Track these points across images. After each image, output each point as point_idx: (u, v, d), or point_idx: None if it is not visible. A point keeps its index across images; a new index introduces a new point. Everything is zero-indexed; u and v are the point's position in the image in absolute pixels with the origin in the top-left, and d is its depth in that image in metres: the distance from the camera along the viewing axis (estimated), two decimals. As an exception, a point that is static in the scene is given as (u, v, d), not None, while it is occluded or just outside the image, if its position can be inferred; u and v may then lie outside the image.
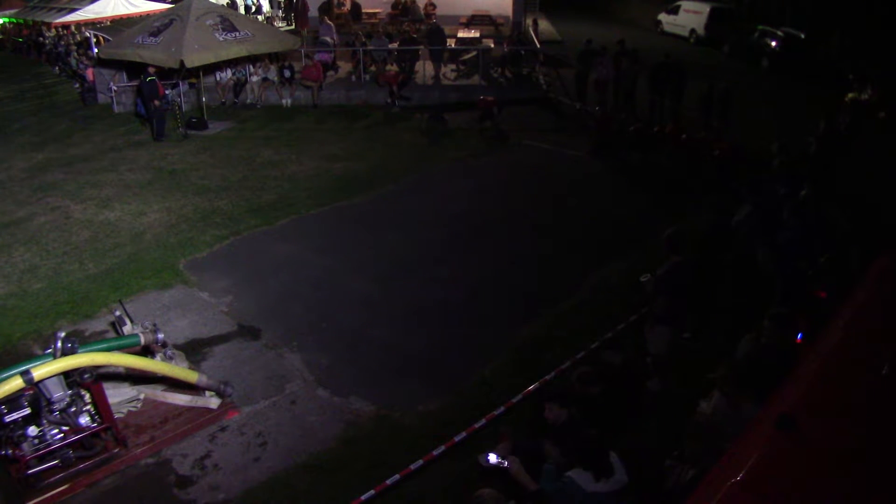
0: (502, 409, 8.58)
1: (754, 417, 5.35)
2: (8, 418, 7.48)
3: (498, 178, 16.13)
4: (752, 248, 10.45)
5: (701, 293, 9.55)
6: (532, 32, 27.59)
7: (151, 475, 8.28)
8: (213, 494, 7.92)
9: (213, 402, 9.06)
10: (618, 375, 8.53)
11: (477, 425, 8.29)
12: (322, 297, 11.63)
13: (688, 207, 14.03)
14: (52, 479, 8.03)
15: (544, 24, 33.48)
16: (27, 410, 7.53)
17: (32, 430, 7.77)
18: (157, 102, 19.84)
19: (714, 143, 16.19)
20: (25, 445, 7.78)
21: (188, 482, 8.11)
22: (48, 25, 35.77)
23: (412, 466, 7.69)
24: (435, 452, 7.90)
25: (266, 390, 9.43)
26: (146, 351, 9.29)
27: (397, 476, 7.55)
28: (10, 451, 7.71)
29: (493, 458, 6.58)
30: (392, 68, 23.40)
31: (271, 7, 33.64)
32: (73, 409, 8.05)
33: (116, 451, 8.40)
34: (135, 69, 21.69)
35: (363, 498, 7.30)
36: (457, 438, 8.11)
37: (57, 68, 32.35)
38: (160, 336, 9.07)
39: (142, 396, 9.28)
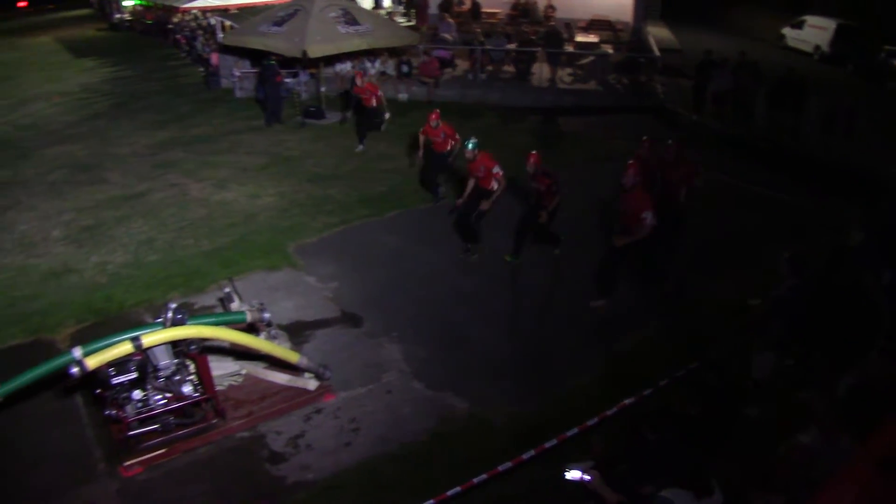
0: (596, 419, 8.41)
1: (853, 453, 5.12)
2: (115, 380, 7.79)
3: (603, 185, 15.81)
4: (863, 278, 9.99)
5: (814, 320, 9.18)
6: (651, 40, 27.14)
7: (246, 448, 8.48)
8: (303, 473, 8.05)
9: (311, 384, 9.19)
10: (717, 397, 8.32)
11: (569, 433, 8.15)
12: (424, 292, 11.68)
13: (801, 230, 13.54)
14: (150, 443, 8.29)
15: (664, 32, 32.89)
16: (134, 375, 7.83)
17: (137, 394, 8.06)
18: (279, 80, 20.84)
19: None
20: (129, 408, 8.08)
21: (280, 459, 8.27)
22: (176, 10, 36.89)
23: (500, 468, 7.62)
24: (524, 456, 7.81)
25: (363, 378, 9.53)
26: (251, 328, 9.45)
27: (484, 476, 7.50)
28: (114, 412, 8.00)
29: (575, 473, 6.48)
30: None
31: (392, 2, 33.92)
32: (178, 377, 8.33)
33: (215, 421, 8.62)
34: (257, 56, 22.18)
35: (448, 493, 7.28)
36: (547, 445, 8.00)
37: (183, 52, 33.34)
38: (266, 315, 9.25)
39: (244, 372, 9.48)
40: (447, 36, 25.55)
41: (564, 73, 24.71)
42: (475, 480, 7.43)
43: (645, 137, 12.62)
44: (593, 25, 29.36)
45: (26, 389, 7.93)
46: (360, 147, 18.30)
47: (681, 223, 12.00)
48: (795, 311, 8.32)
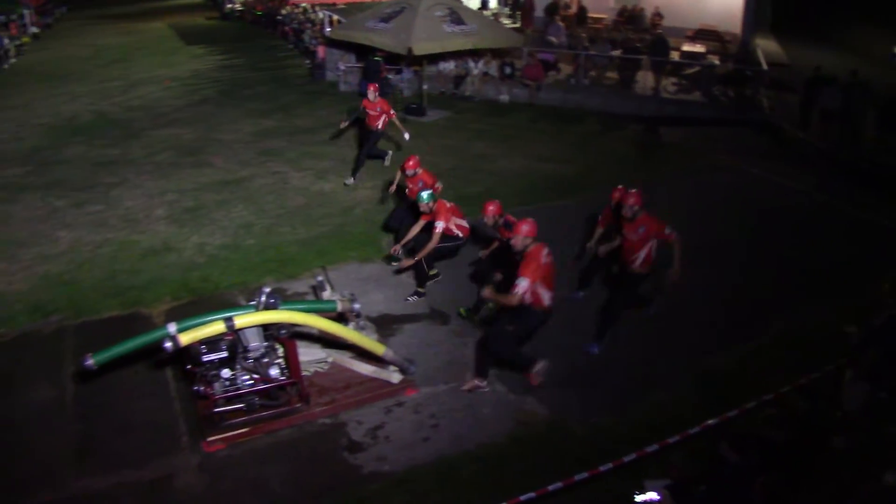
0: (677, 437, 8.16)
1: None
2: (206, 357, 8.03)
3: (700, 198, 15.47)
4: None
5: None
6: (759, 52, 26.45)
7: (326, 435, 8.60)
8: (379, 464, 8.10)
9: (395, 377, 9.24)
10: (805, 425, 8.04)
11: (648, 449, 7.94)
12: None
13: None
14: (234, 421, 8.51)
15: (773, 45, 32.01)
16: (225, 354, 8.06)
17: (226, 373, 8.27)
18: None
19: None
20: (217, 385, 8.31)
21: (358, 448, 8.35)
22: (285, 2, 37.60)
23: (576, 477, 7.49)
24: (602, 468, 7.66)
25: (446, 375, 9.53)
26: (340, 318, 9.58)
27: (560, 484, 7.38)
28: (202, 388, 8.24)
29: (649, 495, 6.34)
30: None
31: (498, 3, 33.93)
32: (266, 360, 8.51)
33: (298, 406, 8.78)
34: (362, 51, 22.48)
35: (522, 498, 7.20)
36: (626, 458, 7.81)
37: (290, 44, 33.96)
38: (356, 306, 9.36)
39: (330, 360, 9.63)
40: (553, 39, 25.42)
41: (668, 83, 24.27)
42: (550, 488, 7.34)
43: (620, 186, 11.07)
44: (700, 35, 28.78)
45: (121, 359, 8.22)
46: (351, 181, 15.99)
47: (629, 291, 10.43)
48: (894, 341, 7.99)
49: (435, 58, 22.61)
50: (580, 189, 15.45)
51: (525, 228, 8.59)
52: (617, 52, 24.71)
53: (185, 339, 7.66)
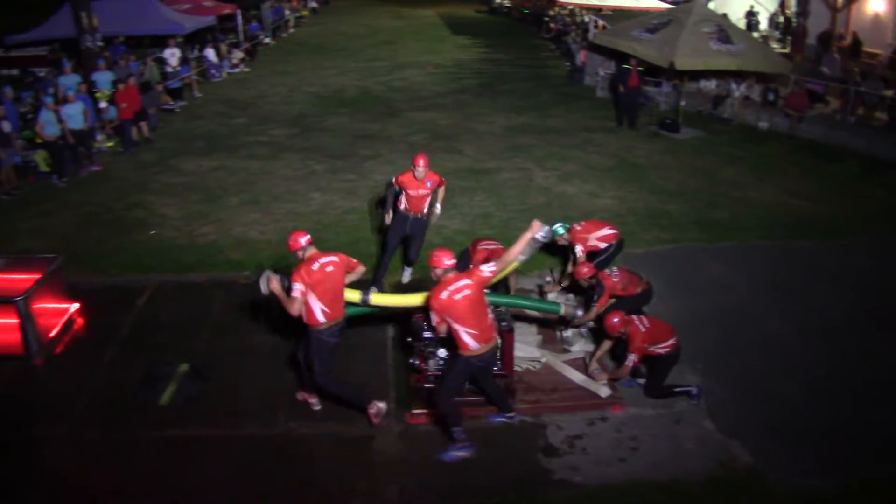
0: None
1: None
2: (426, 334, 8.58)
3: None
4: None
5: None
6: None
7: (525, 432, 8.72)
8: (571, 474, 8.08)
9: (604, 391, 9.20)
10: None
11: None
12: (740, 330, 10.93)
13: None
14: None
15: None
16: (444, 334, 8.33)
17: (442, 352, 8.67)
18: (621, 88, 20.83)
19: None
20: (432, 363, 8.75)
21: (553, 452, 8.39)
22: (554, 2, 37.91)
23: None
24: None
25: (655, 400, 9.28)
26: (563, 321, 9.86)
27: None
28: (417, 362, 8.75)
29: None
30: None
31: (768, 26, 32.65)
32: (483, 347, 8.74)
33: (504, 398, 8.98)
34: (624, 59, 22.32)
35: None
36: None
37: (553, 44, 34.28)
38: (579, 313, 9.44)
39: (543, 360, 9.79)
40: (827, 70, 24.18)
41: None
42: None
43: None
44: None
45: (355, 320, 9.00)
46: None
47: None
48: None
49: (696, 74, 22.14)
50: (828, 232, 14.48)
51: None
52: (889, 92, 23.13)
53: (376, 300, 8.89)
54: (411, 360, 8.84)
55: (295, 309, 7.92)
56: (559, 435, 8.66)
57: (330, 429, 8.67)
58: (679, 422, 8.98)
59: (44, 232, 14.10)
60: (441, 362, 8.71)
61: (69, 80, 19.25)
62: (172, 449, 8.46)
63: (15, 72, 26.53)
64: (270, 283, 8.12)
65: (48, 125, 16.11)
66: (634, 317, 8.86)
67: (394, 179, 11.41)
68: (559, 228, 10.79)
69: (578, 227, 10.95)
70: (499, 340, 8.28)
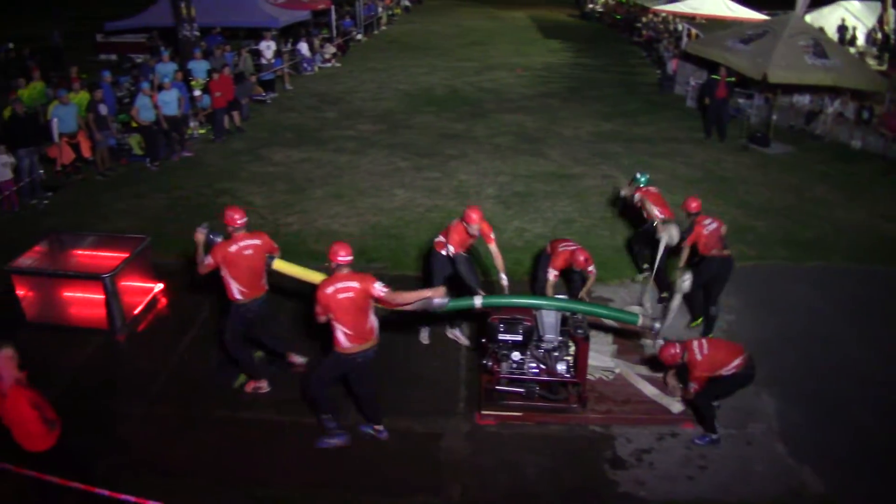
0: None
1: None
2: (502, 336, 8.63)
3: None
4: None
5: None
6: None
7: (593, 442, 8.71)
8: (636, 488, 8.03)
9: (676, 406, 9.11)
10: None
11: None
12: (817, 355, 10.62)
13: None
14: (511, 402, 9.00)
15: None
16: (520, 337, 8.62)
17: (516, 356, 8.78)
18: (706, 100, 20.57)
19: None
20: (504, 365, 8.80)
21: (620, 465, 8.35)
22: (647, 10, 37.62)
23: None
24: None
25: (729, 419, 9.05)
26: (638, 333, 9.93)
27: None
28: (490, 363, 8.75)
29: None
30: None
31: (865, 42, 31.80)
32: (557, 353, 8.85)
33: (574, 406, 9.03)
34: (715, 70, 21.98)
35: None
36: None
37: (644, 52, 33.98)
38: (657, 325, 9.34)
39: (617, 370, 9.74)
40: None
41: None
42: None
43: None
44: None
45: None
46: (425, 336, 10.56)
47: None
48: None
49: (790, 88, 21.68)
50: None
51: None
52: None
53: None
54: (484, 361, 8.89)
55: (199, 271, 8.66)
56: (627, 447, 8.62)
57: (399, 423, 8.77)
58: (750, 443, 8.82)
59: (135, 213, 14.64)
60: (514, 365, 8.79)
61: (166, 68, 19.83)
62: (244, 430, 8.73)
63: (114, 57, 27.57)
64: (197, 233, 8.73)
65: (144, 110, 16.77)
66: (694, 342, 8.67)
67: (443, 242, 10.19)
68: (641, 178, 11.65)
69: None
70: (377, 344, 8.15)
